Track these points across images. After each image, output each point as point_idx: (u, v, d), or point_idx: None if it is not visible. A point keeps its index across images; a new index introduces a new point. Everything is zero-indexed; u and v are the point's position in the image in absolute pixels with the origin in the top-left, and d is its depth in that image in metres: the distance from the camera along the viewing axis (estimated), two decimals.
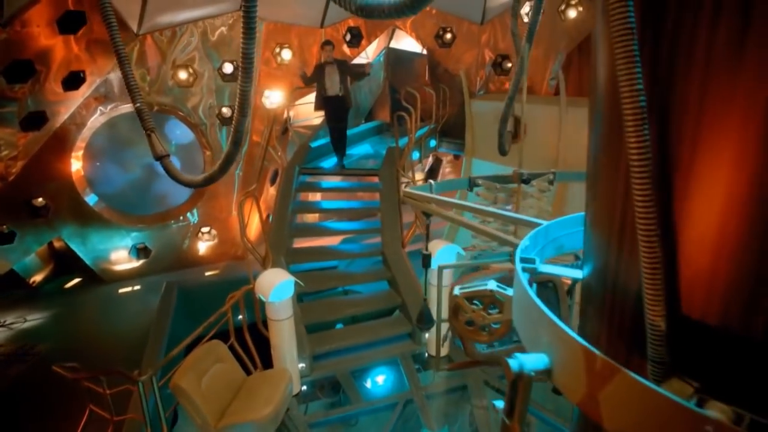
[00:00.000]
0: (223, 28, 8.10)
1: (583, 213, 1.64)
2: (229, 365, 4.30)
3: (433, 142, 9.89)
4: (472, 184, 2.30)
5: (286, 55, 8.74)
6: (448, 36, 9.24)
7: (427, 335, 5.74)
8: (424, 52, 10.73)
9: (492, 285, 1.27)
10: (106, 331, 7.49)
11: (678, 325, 0.86)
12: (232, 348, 4.66)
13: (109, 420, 4.27)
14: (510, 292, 1.27)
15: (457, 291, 1.31)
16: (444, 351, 5.62)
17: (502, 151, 3.46)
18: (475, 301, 1.32)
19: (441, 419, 5.07)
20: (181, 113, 8.28)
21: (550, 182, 2.39)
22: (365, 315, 6.24)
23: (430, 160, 14.27)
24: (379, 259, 6.91)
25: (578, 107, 7.76)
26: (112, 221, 8.47)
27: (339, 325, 6.51)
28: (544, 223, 1.53)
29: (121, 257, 8.87)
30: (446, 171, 15.36)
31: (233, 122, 2.19)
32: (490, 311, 1.32)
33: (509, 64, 9.02)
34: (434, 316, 2.93)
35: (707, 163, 0.80)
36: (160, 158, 2.71)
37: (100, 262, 8.71)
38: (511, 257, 2.65)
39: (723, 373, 0.82)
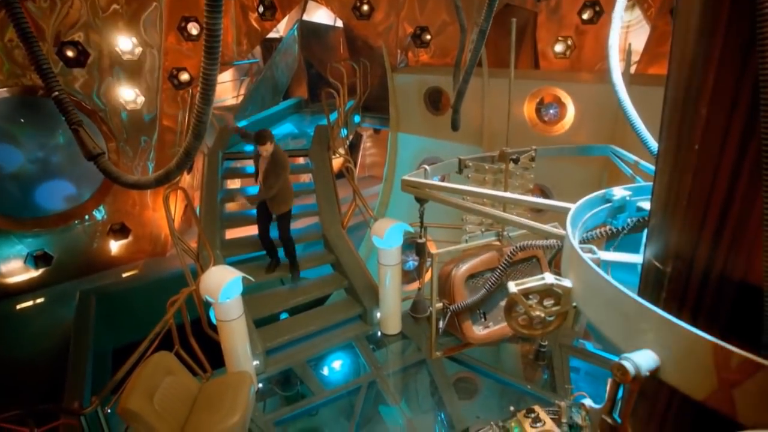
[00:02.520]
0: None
1: (601, 192, 1.64)
2: (180, 377, 3.94)
3: (357, 118, 9.71)
4: (461, 166, 2.23)
5: (195, 30, 7.95)
6: (366, 8, 8.98)
7: (378, 314, 5.73)
8: (339, 24, 10.38)
9: (549, 279, 1.21)
10: (10, 357, 6.47)
11: None
12: (177, 355, 4.29)
13: None
14: (567, 283, 1.22)
15: (512, 287, 1.23)
16: (397, 329, 5.66)
17: (455, 127, 3.43)
18: (530, 296, 1.26)
19: (402, 393, 5.14)
20: (73, 98, 7.22)
21: (532, 159, 2.39)
22: (313, 302, 6.06)
23: (351, 136, 14.10)
24: (320, 242, 6.71)
25: (498, 78, 8.03)
26: None
27: (284, 316, 6.27)
28: (571, 206, 1.50)
29: (14, 268, 7.70)
30: (367, 146, 15.28)
31: (195, 112, 1.90)
32: (545, 304, 1.26)
33: (428, 36, 9.01)
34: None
35: None
36: (94, 158, 2.31)
37: None
38: (499, 237, 2.66)
39: None
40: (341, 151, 7.22)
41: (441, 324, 2.34)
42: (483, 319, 2.39)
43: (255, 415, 4.39)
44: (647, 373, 0.92)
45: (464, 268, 2.29)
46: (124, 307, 7.25)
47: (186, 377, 4.01)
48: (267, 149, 5.27)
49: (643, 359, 0.93)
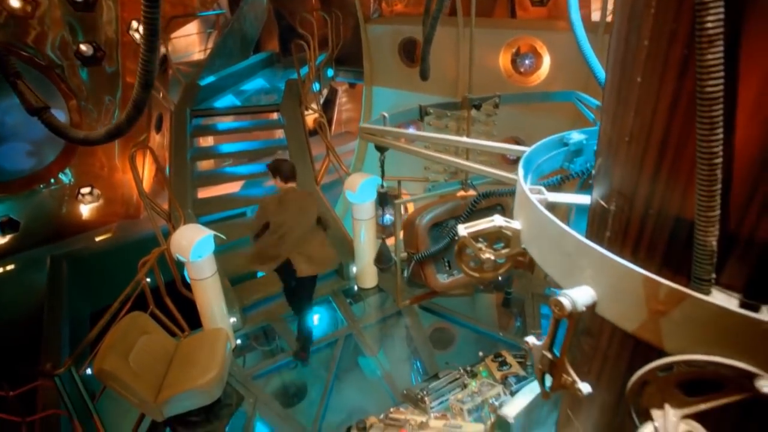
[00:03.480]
0: None
1: (558, 136, 1.63)
2: (156, 335, 3.95)
3: (330, 72, 9.43)
4: (422, 113, 2.18)
5: None
6: None
7: (354, 269, 5.79)
8: None
9: (499, 221, 1.21)
10: None
11: (726, 240, 0.87)
12: (152, 316, 4.29)
13: (18, 422, 3.76)
14: (516, 225, 1.22)
15: (462, 231, 1.23)
16: (373, 282, 5.74)
17: (424, 76, 3.34)
18: (480, 239, 1.26)
19: (379, 345, 5.28)
20: (24, 53, 6.80)
21: (496, 105, 2.35)
22: None
23: (325, 91, 13.71)
24: None
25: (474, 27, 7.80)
26: None
27: (261, 274, 6.28)
28: (527, 150, 1.49)
29: None
30: (343, 101, 14.95)
31: (140, 60, 1.79)
32: (495, 247, 1.27)
33: None
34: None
35: None
36: (38, 112, 2.20)
37: None
38: (462, 186, 2.64)
39: None
40: (314, 106, 7.04)
41: (405, 273, 2.36)
42: (447, 268, 2.42)
43: (234, 370, 4.47)
44: (583, 308, 0.94)
45: (428, 218, 2.30)
46: (98, 270, 7.15)
47: (161, 336, 4.03)
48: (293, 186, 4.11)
49: (580, 295, 0.94)
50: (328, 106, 14.23)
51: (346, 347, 5.01)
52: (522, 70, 7.73)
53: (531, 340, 1.12)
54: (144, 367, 3.62)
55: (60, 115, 7.39)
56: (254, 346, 5.18)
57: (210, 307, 4.52)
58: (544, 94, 3.77)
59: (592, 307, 0.96)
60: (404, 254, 2.33)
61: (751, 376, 0.76)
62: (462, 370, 2.83)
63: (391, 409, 2.70)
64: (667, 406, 0.87)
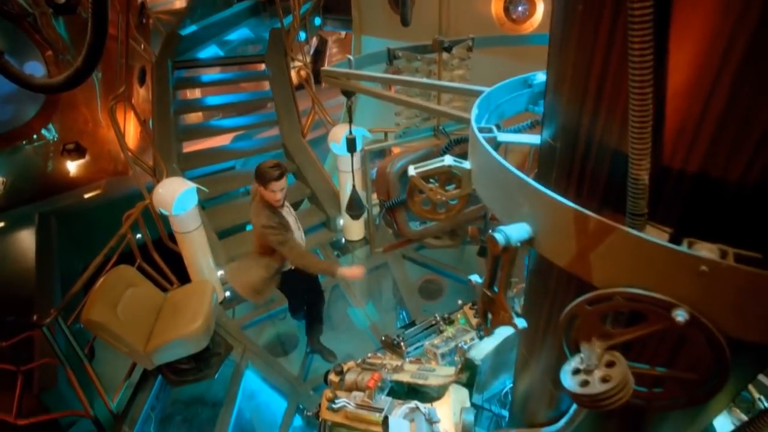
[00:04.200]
0: None
1: (524, 77, 1.58)
2: (142, 288, 4.00)
3: (317, 20, 9.07)
4: (391, 56, 2.10)
5: None
6: None
7: (341, 221, 5.81)
8: None
9: (448, 160, 1.19)
10: None
11: (658, 176, 0.86)
12: (141, 270, 4.33)
13: (15, 371, 3.86)
14: (466, 165, 1.21)
15: (412, 170, 1.21)
16: (360, 235, 5.78)
17: (405, 21, 3.22)
18: (431, 179, 1.25)
19: (367, 297, 5.39)
20: None
21: (469, 49, 2.27)
22: None
23: (315, 41, 13.24)
24: (280, 152, 6.58)
25: None
26: None
27: (249, 227, 6.31)
28: (485, 90, 1.45)
29: None
30: (333, 52, 14.51)
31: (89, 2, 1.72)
32: (447, 188, 1.26)
33: None
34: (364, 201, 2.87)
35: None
36: None
37: None
38: (435, 133, 2.60)
39: (702, 215, 0.85)
40: (299, 57, 6.82)
41: (377, 221, 2.37)
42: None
43: (223, 321, 4.57)
44: (518, 244, 0.94)
45: (399, 165, 2.27)
46: (88, 227, 7.14)
47: (149, 288, 4.08)
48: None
49: (515, 231, 0.94)
50: (318, 56, 13.81)
51: (334, 299, 5.11)
52: (515, 17, 7.44)
53: (474, 278, 1.13)
54: (132, 318, 3.69)
55: (38, 68, 7.16)
56: (242, 299, 5.26)
57: (197, 261, 4.56)
58: (521, 37, 3.64)
59: (528, 243, 0.96)
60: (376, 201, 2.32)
61: (669, 307, 0.77)
62: (438, 318, 2.89)
63: (369, 354, 2.77)
64: (593, 339, 0.89)
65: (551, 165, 1.13)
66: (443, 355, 2.62)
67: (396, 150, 3.88)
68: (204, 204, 6.05)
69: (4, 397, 3.85)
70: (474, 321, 2.95)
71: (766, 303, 0.71)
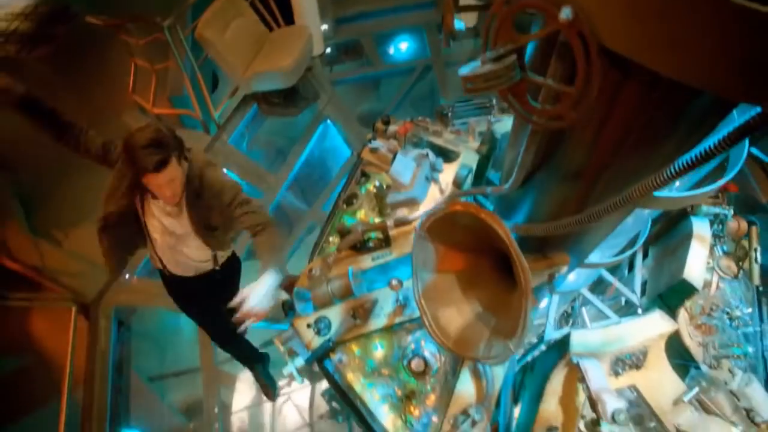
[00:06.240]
0: None
1: None
2: (249, 20, 4.33)
3: None
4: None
5: None
6: None
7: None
8: None
9: None
10: None
11: None
12: (253, 6, 4.59)
13: (149, 70, 4.61)
14: None
15: None
16: (473, 22, 5.38)
17: None
18: None
19: (456, 92, 5.30)
20: None
21: None
22: None
23: None
24: None
25: None
26: None
27: None
28: None
29: None
30: None
31: None
32: None
33: None
34: None
35: None
36: None
37: None
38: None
39: None
40: None
41: None
42: None
43: (317, 72, 4.91)
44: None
45: None
46: None
47: (254, 22, 4.40)
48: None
49: None
50: None
51: (422, 80, 5.11)
52: None
53: None
54: (237, 43, 4.13)
55: None
56: (342, 59, 5.49)
57: (303, 6, 4.69)
58: None
59: None
60: None
61: (560, 5, 0.79)
62: (494, 101, 2.90)
63: (419, 118, 2.95)
64: (504, 42, 0.94)
65: None
66: (481, 133, 2.72)
67: None
68: None
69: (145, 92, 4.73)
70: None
71: (642, 17, 0.71)
